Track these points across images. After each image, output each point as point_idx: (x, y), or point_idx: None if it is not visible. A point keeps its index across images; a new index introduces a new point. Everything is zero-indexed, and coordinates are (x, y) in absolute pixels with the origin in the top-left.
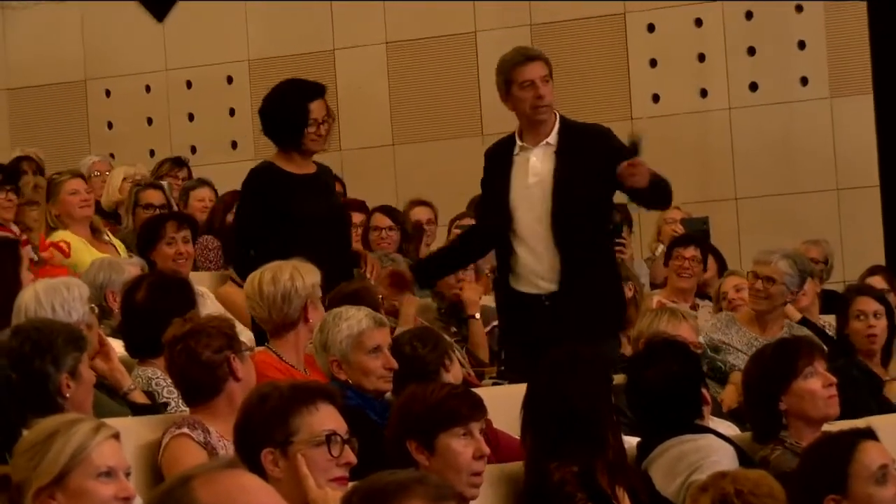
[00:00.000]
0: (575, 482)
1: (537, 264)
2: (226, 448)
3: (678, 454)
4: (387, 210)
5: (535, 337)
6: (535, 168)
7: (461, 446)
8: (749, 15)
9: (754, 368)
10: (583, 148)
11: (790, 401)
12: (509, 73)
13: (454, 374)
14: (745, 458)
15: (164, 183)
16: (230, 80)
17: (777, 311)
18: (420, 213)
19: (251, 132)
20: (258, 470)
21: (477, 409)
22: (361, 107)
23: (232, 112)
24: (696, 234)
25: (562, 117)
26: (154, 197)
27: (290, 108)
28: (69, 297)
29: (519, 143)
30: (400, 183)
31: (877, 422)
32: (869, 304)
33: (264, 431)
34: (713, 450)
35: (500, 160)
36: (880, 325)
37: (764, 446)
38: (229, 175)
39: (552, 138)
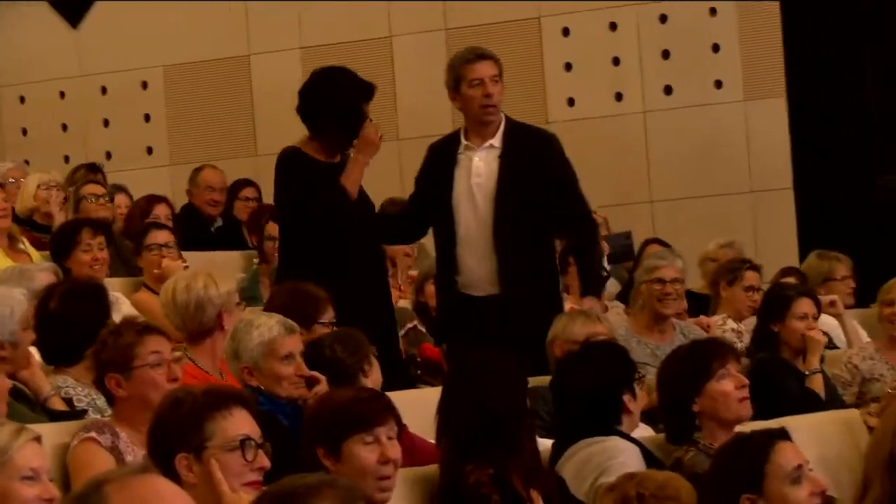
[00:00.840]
0: (490, 484)
1: (478, 267)
2: (135, 454)
3: (586, 456)
4: None
5: (477, 338)
6: (478, 169)
7: (366, 452)
8: (663, 18)
9: (668, 370)
10: (527, 152)
11: (704, 402)
12: (459, 70)
13: (373, 378)
14: (653, 459)
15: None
16: (145, 85)
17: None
18: None
19: (166, 138)
20: (172, 475)
21: (384, 413)
22: (277, 111)
23: (147, 118)
24: (620, 250)
25: (508, 119)
26: (96, 188)
27: (346, 105)
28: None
29: (464, 142)
30: None
31: (794, 421)
32: (811, 307)
33: (178, 436)
34: (619, 451)
35: (443, 158)
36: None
37: (678, 448)
38: (145, 181)
39: (497, 140)
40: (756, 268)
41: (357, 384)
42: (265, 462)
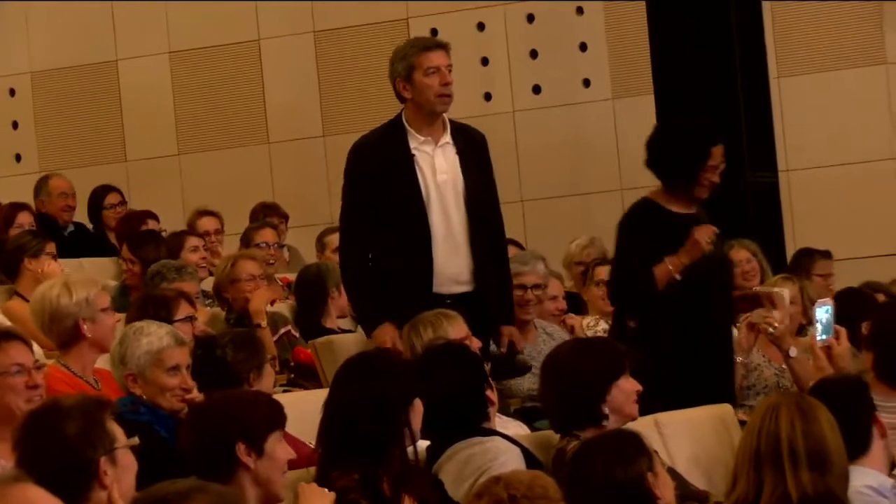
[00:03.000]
0: (358, 489)
1: (451, 265)
2: (2, 466)
3: (466, 458)
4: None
5: None
6: (441, 166)
7: (284, 448)
8: (531, 18)
9: (581, 362)
10: (474, 151)
11: (614, 397)
12: (412, 59)
13: (265, 385)
14: (532, 459)
15: None
16: (12, 92)
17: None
18: (207, 223)
19: (35, 145)
20: (92, 480)
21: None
22: (146, 117)
23: (15, 125)
24: None
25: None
26: None
27: (694, 149)
28: None
29: (419, 136)
30: (186, 192)
31: (668, 417)
32: None
33: (93, 441)
34: (500, 451)
35: (390, 155)
36: None
37: (562, 438)
38: (14, 188)
39: (448, 137)
40: (609, 262)
41: (242, 389)
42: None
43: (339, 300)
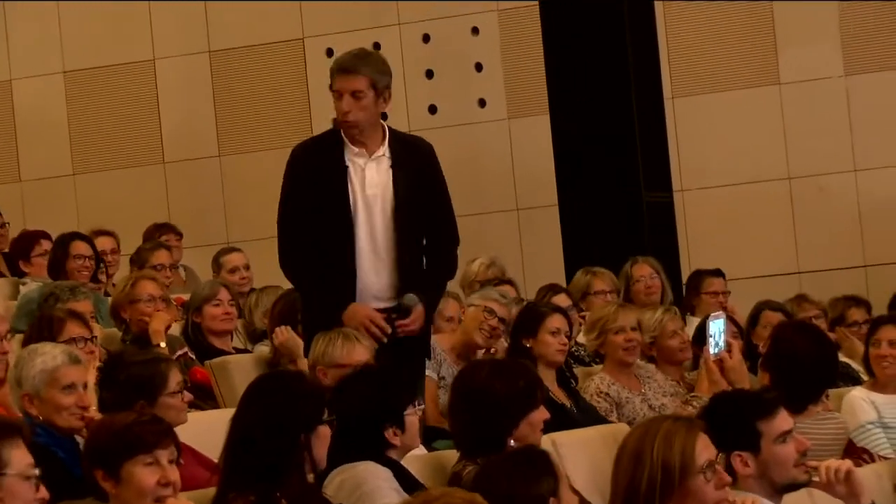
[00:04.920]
0: None
1: (376, 279)
2: None
3: (339, 483)
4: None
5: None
6: (371, 179)
7: (146, 474)
8: (426, 38)
9: (497, 386)
10: (414, 164)
11: (522, 430)
12: (330, 77)
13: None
14: (411, 481)
15: None
16: None
17: None
18: (103, 243)
19: None
20: None
21: (163, 436)
22: (41, 136)
23: None
24: None
25: (390, 129)
26: None
27: None
28: None
29: (354, 148)
30: (81, 212)
31: (565, 436)
32: (563, 322)
33: None
34: (368, 475)
35: (325, 162)
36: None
37: (459, 460)
38: None
39: (385, 150)
40: (507, 282)
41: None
42: (45, 494)
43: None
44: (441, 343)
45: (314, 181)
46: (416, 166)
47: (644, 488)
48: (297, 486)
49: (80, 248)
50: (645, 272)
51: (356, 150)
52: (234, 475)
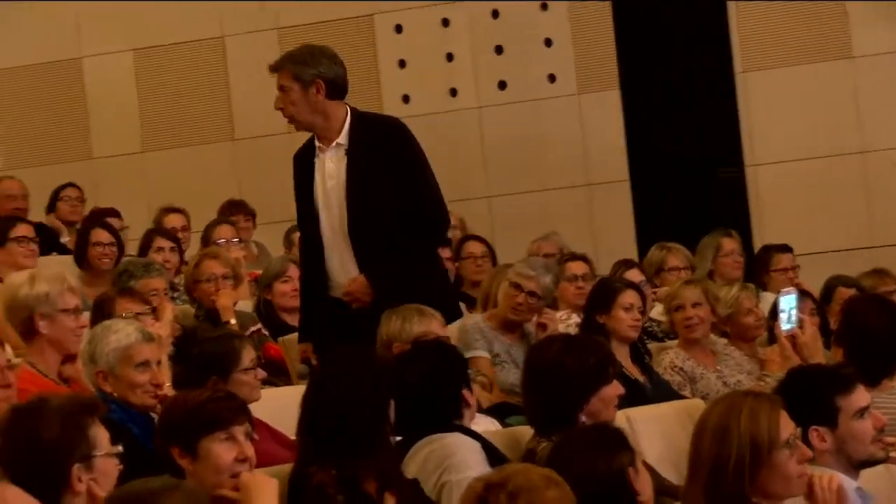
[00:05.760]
0: (334, 485)
1: (340, 272)
2: None
3: (427, 454)
4: None
5: (343, 339)
6: (330, 171)
7: (223, 450)
8: (495, 14)
9: (567, 361)
10: (373, 147)
11: (593, 405)
12: None
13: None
14: (494, 454)
15: None
16: None
17: None
18: (173, 220)
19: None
20: (65, 486)
21: (239, 412)
22: (111, 114)
23: None
24: None
25: (354, 112)
26: None
27: None
28: None
29: (317, 144)
30: (150, 190)
31: (639, 412)
32: (636, 298)
33: (68, 447)
34: (458, 447)
35: (304, 163)
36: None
37: (533, 437)
38: None
39: (343, 137)
40: (580, 258)
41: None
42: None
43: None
44: (489, 321)
45: (299, 180)
46: (376, 149)
47: (732, 464)
48: (381, 460)
49: (100, 235)
50: (734, 247)
51: (318, 143)
52: (314, 450)
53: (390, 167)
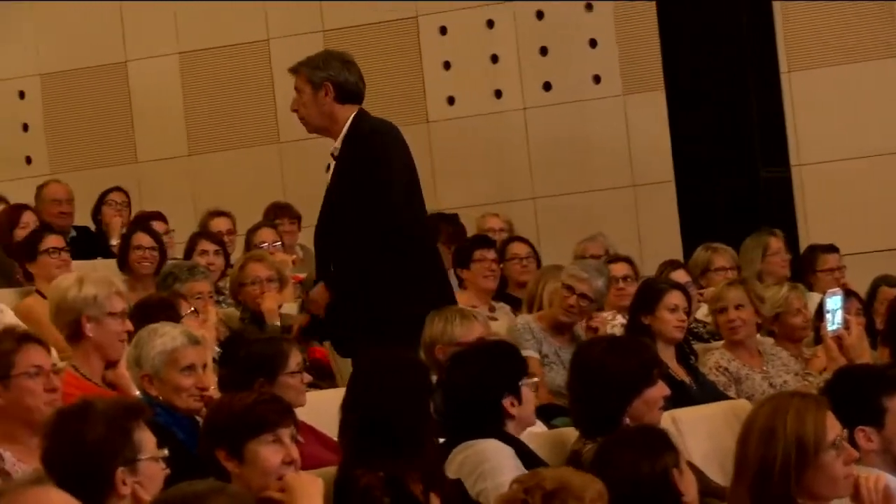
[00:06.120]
0: (381, 487)
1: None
2: (23, 470)
3: (462, 460)
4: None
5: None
6: (329, 178)
7: (270, 452)
8: (540, 15)
9: (612, 362)
10: (350, 154)
11: (636, 408)
12: None
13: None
14: (532, 458)
15: None
16: (22, 94)
17: None
18: (219, 224)
19: (45, 147)
20: (109, 489)
21: (285, 415)
22: (156, 117)
23: (25, 127)
24: None
25: (357, 117)
26: None
27: None
28: None
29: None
30: (196, 193)
31: (684, 413)
32: (682, 299)
33: (112, 450)
34: (490, 453)
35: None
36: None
37: (579, 438)
38: (24, 190)
39: (339, 142)
40: (622, 259)
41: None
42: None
43: None
44: (539, 321)
45: None
46: (350, 158)
47: (778, 465)
48: (428, 462)
49: (142, 239)
50: (780, 246)
51: (332, 150)
52: (359, 452)
53: (353, 172)
